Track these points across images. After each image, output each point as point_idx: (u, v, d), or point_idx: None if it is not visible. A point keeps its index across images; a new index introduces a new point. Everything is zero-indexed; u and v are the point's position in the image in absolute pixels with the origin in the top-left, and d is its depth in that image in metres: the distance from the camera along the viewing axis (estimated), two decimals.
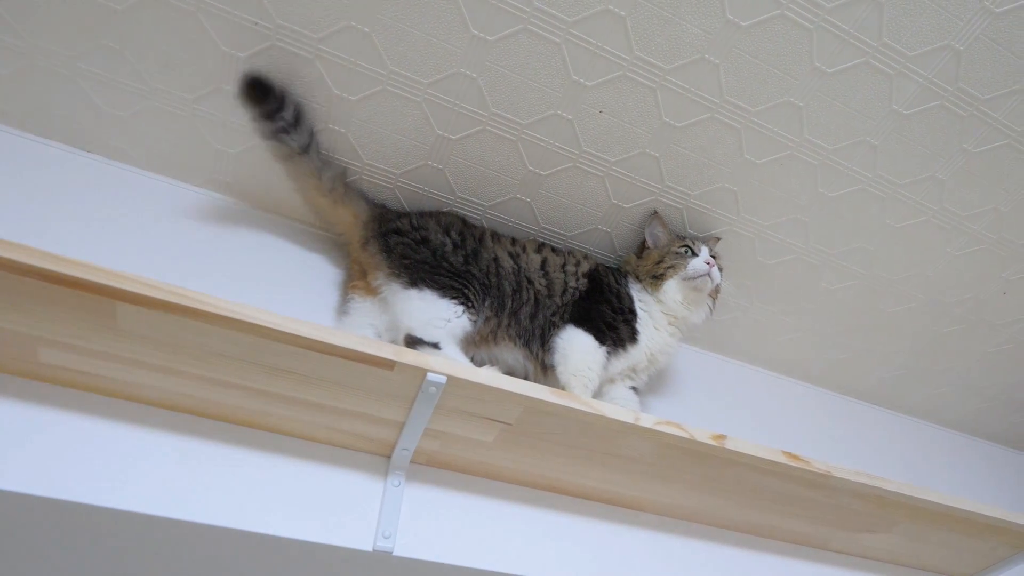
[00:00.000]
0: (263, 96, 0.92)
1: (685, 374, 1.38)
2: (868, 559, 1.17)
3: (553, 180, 1.12)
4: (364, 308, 0.96)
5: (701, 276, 1.08)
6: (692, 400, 1.33)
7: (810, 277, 1.30)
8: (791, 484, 0.98)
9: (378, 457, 0.87)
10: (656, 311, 1.10)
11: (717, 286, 1.11)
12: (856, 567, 1.15)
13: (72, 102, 0.99)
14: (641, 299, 1.11)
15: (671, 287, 1.09)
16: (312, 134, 0.99)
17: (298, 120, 0.95)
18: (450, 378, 0.77)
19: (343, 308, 1.00)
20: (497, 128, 1.05)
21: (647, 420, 0.86)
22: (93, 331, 0.70)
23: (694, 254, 1.10)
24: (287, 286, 1.04)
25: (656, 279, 1.10)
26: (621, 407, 1.02)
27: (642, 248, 1.17)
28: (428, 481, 0.88)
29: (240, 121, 1.03)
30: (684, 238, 1.14)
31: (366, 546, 0.78)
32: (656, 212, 1.16)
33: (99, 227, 0.97)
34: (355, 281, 1.01)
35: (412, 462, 0.89)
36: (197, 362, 0.74)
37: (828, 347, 1.45)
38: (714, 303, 1.16)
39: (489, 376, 0.80)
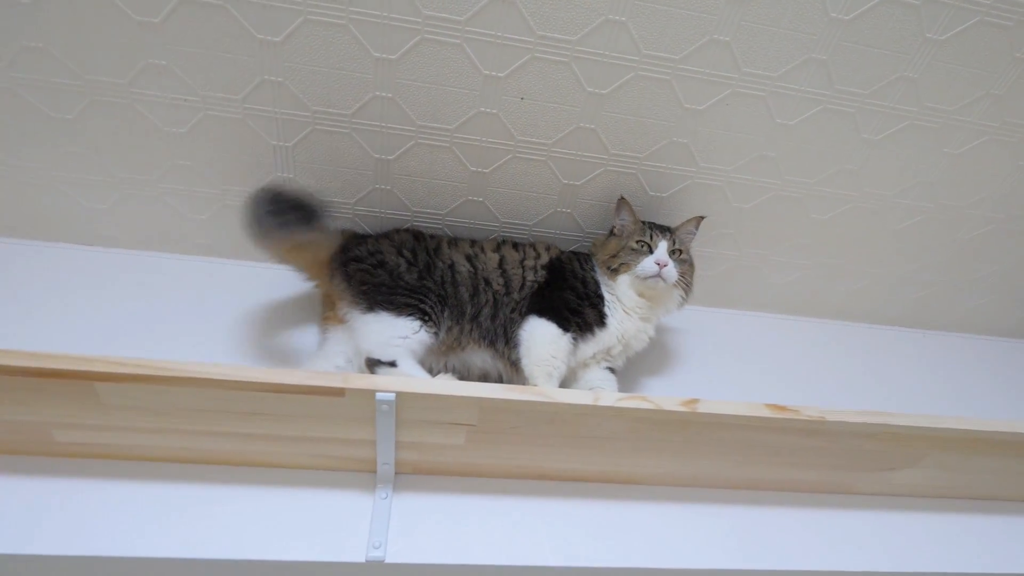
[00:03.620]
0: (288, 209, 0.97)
1: (693, 334, 1.35)
2: (907, 496, 1.10)
3: (498, 175, 1.13)
4: (336, 337, 1.02)
5: (651, 277, 1.03)
6: (707, 361, 1.30)
7: (795, 212, 1.23)
8: (789, 435, 0.94)
9: (365, 473, 0.93)
10: (625, 296, 1.07)
11: (679, 280, 1.06)
12: (896, 506, 1.09)
13: (59, 205, 1.12)
14: (607, 284, 1.09)
15: (624, 282, 1.06)
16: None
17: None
18: (399, 394, 0.81)
19: (321, 339, 1.06)
20: (428, 139, 1.07)
21: (608, 399, 0.86)
22: (83, 409, 0.80)
23: (651, 251, 1.06)
24: (280, 328, 1.12)
25: (611, 271, 1.07)
26: (598, 388, 1.04)
27: (611, 232, 1.13)
28: (416, 488, 0.93)
29: (204, 190, 1.11)
30: (646, 230, 1.08)
31: (359, 558, 0.84)
32: (623, 198, 1.10)
33: (116, 310, 1.08)
34: (328, 312, 1.07)
35: (398, 472, 0.94)
36: (178, 419, 0.83)
37: (840, 278, 1.37)
38: (687, 292, 1.11)
39: (437, 385, 0.83)
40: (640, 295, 1.07)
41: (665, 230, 1.11)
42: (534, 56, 0.98)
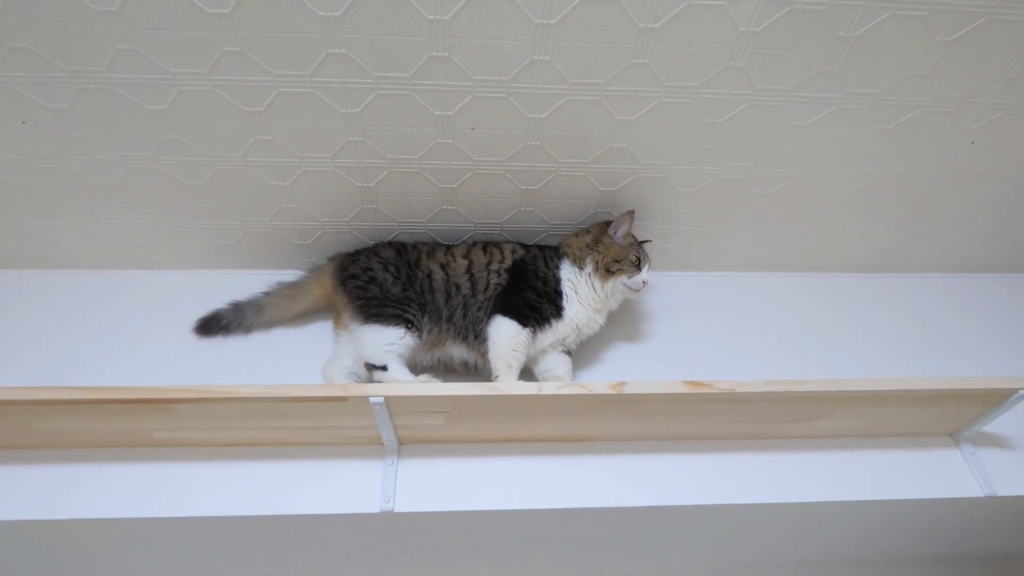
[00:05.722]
0: (212, 329, 1.32)
1: (664, 298, 1.51)
2: (834, 437, 1.28)
3: (464, 188, 1.30)
4: (344, 340, 1.28)
5: (636, 290, 1.27)
6: (676, 320, 1.47)
7: (739, 190, 1.34)
8: (711, 404, 1.14)
9: (376, 446, 1.22)
10: (583, 289, 1.26)
11: None
12: (827, 446, 1.27)
13: (123, 243, 1.39)
14: (570, 279, 1.27)
15: (612, 284, 1.26)
16: (248, 311, 1.32)
17: (233, 322, 1.32)
18: (387, 397, 1.07)
19: (334, 340, 1.33)
20: (400, 167, 1.25)
21: (549, 388, 1.09)
22: (168, 419, 1.11)
23: (640, 267, 1.27)
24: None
25: (607, 272, 1.26)
26: (552, 370, 1.27)
27: (603, 230, 1.29)
28: (416, 455, 1.21)
29: (226, 223, 1.36)
30: (641, 249, 1.29)
31: (374, 509, 1.15)
32: (633, 212, 1.28)
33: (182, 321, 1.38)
34: (337, 319, 1.32)
35: (401, 443, 1.22)
36: (231, 420, 1.13)
37: (796, 238, 1.48)
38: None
39: (415, 388, 1.08)
40: (611, 296, 1.29)
41: (643, 246, 1.32)
42: (475, 96, 1.12)
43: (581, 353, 1.36)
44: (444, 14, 1.00)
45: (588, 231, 1.32)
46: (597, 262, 1.27)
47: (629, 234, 1.29)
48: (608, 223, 1.30)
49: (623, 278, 1.26)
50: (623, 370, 1.39)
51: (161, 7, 0.97)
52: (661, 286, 1.54)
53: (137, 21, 0.99)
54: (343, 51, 1.04)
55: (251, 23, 1.00)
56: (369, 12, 0.99)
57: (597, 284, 1.27)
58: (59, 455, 1.17)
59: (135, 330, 1.37)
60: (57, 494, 1.12)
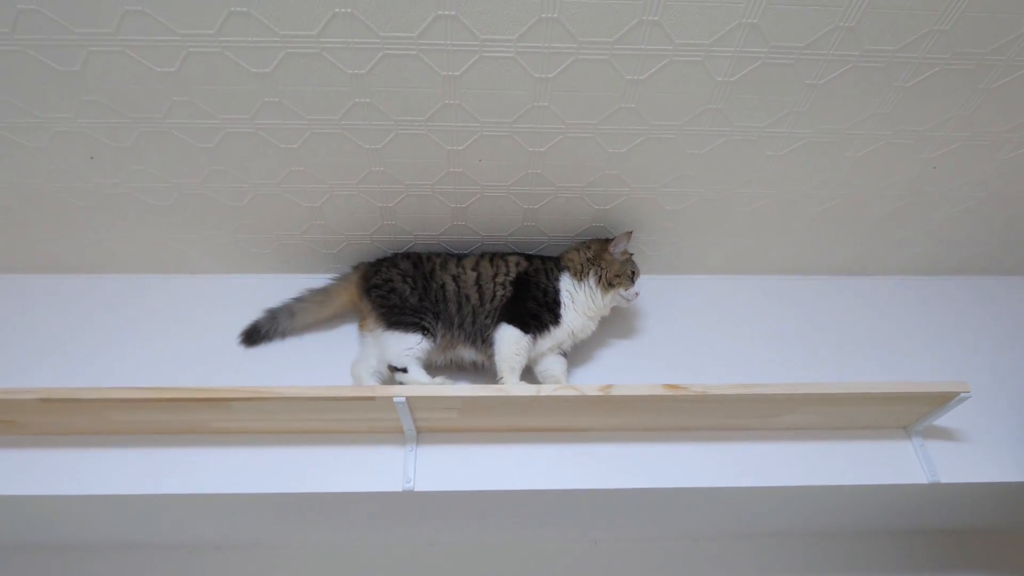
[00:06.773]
0: (255, 339, 1.49)
1: (651, 299, 1.68)
2: (798, 429, 1.45)
3: (473, 208, 1.46)
4: (369, 341, 1.46)
5: (630, 301, 1.46)
6: (670, 318, 1.64)
7: (721, 207, 1.48)
8: (688, 403, 1.32)
9: (397, 434, 1.41)
10: (580, 299, 1.43)
11: None
12: (792, 437, 1.44)
13: (172, 252, 1.58)
14: (568, 290, 1.44)
15: (611, 296, 1.44)
16: (282, 318, 1.50)
17: (272, 330, 1.50)
18: (408, 397, 1.26)
19: (360, 341, 1.51)
20: (415, 191, 1.41)
21: (546, 390, 1.27)
22: (224, 413, 1.32)
23: (633, 281, 1.44)
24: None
25: (608, 285, 1.44)
26: (550, 368, 1.45)
27: (603, 247, 1.45)
28: (432, 442, 1.41)
29: (263, 235, 1.53)
30: (635, 264, 1.47)
31: (397, 488, 1.35)
32: (630, 232, 1.45)
33: (226, 319, 1.58)
34: (362, 321, 1.50)
35: (419, 432, 1.42)
36: (278, 415, 1.33)
37: (773, 246, 1.62)
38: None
39: (432, 389, 1.26)
40: (607, 305, 1.46)
41: (636, 265, 1.49)
42: (482, 135, 1.27)
43: (576, 353, 1.53)
44: (455, 71, 1.14)
45: (588, 247, 1.48)
46: (600, 276, 1.44)
47: (627, 252, 1.46)
48: (607, 240, 1.46)
49: (620, 290, 1.44)
50: (615, 366, 1.56)
51: (212, 68, 1.12)
52: (648, 288, 1.69)
53: (192, 79, 1.14)
54: (368, 100, 1.19)
55: (288, 79, 1.15)
56: (391, 70, 1.14)
57: (598, 295, 1.43)
58: (134, 440, 1.38)
59: (183, 326, 1.56)
60: (133, 474, 1.34)
